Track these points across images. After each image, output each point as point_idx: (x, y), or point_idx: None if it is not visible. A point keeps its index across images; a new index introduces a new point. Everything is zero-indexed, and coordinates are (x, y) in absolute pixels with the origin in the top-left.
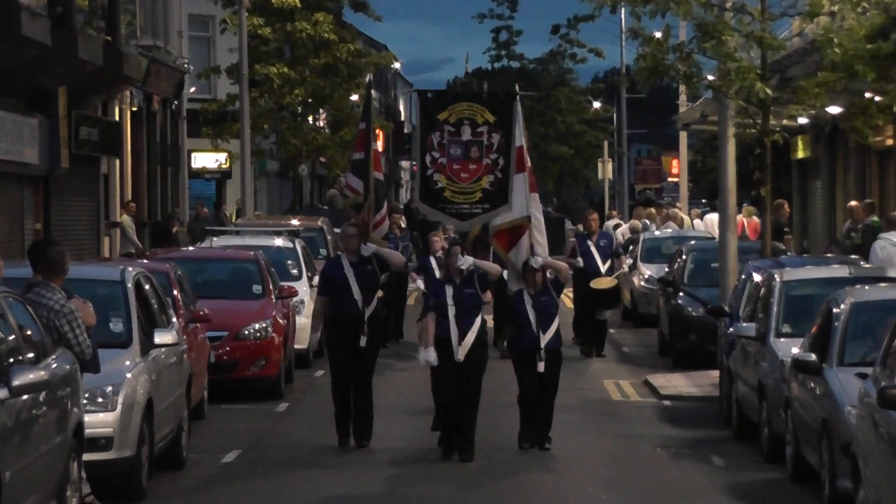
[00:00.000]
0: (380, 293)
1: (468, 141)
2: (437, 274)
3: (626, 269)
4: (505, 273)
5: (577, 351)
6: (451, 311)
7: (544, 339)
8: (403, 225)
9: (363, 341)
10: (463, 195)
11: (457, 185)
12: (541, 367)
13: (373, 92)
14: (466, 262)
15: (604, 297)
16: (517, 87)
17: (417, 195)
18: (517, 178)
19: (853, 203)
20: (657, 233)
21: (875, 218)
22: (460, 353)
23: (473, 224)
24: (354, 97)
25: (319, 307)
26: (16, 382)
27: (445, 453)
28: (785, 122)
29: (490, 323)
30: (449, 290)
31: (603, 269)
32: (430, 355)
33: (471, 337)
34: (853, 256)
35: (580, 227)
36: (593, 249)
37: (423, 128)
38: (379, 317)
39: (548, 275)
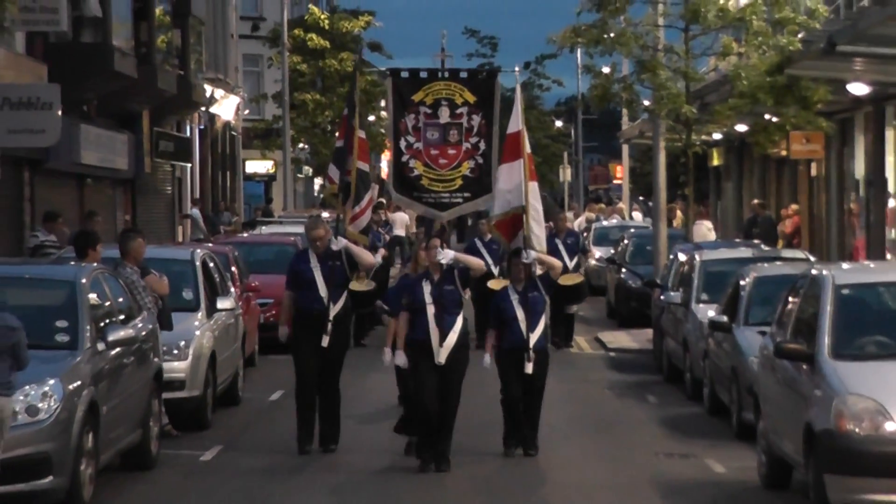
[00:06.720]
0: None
1: (447, 124)
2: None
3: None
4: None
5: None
6: (430, 311)
7: (533, 338)
8: (384, 218)
9: (325, 341)
10: (442, 183)
11: (435, 171)
12: (529, 368)
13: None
14: (447, 255)
15: (571, 293)
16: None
17: (391, 184)
18: (512, 166)
19: (755, 201)
20: (605, 223)
21: (768, 213)
22: (441, 356)
23: (453, 215)
24: (371, 118)
25: (287, 302)
26: (110, 338)
27: (423, 465)
28: (704, 137)
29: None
30: (427, 287)
31: (570, 265)
32: (399, 358)
33: (452, 338)
34: (755, 241)
35: (551, 225)
36: (561, 247)
37: (395, 110)
38: (347, 316)
39: (538, 271)
